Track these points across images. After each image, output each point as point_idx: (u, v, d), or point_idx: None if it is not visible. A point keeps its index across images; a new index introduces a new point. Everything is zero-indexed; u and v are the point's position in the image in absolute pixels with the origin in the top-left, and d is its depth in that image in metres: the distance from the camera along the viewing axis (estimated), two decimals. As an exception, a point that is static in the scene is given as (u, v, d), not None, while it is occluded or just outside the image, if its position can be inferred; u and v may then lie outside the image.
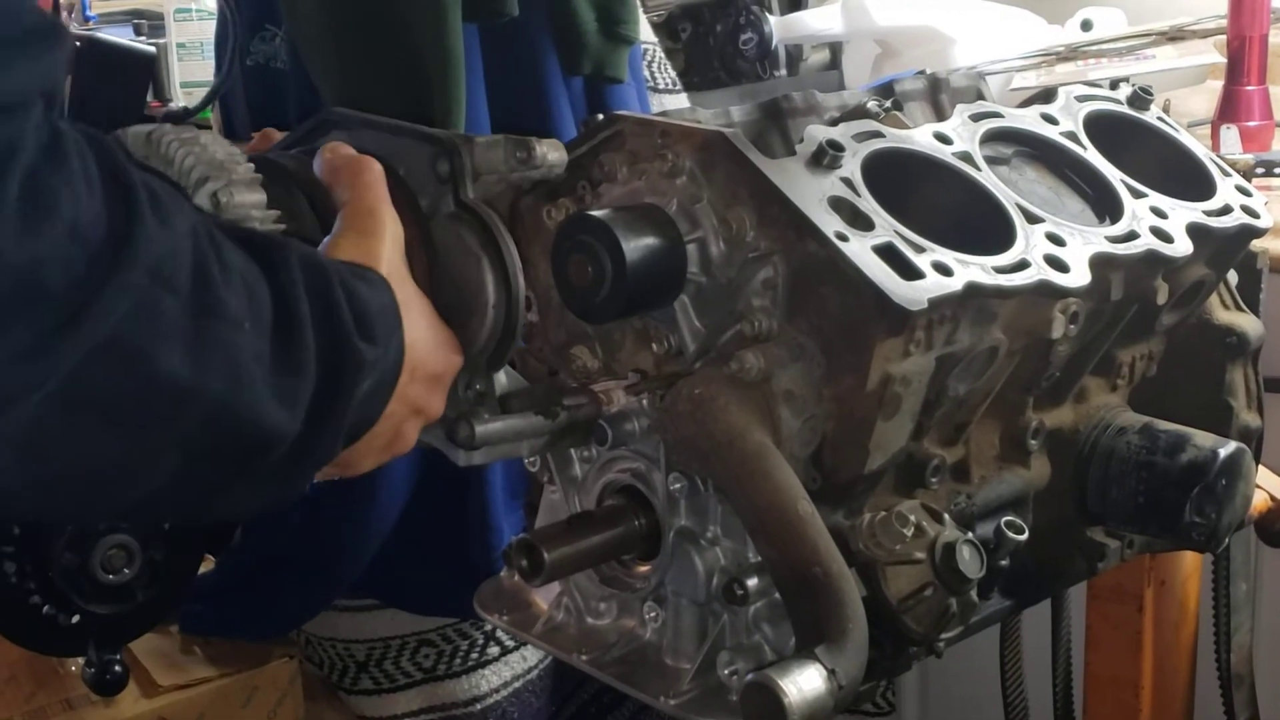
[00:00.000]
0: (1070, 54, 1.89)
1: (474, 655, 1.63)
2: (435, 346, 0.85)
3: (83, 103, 1.67)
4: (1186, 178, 1.05)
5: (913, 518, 0.89)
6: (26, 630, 1.42)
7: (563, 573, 0.95)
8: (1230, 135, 1.71)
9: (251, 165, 0.83)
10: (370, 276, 0.80)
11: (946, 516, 0.92)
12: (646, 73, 1.67)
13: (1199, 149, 1.08)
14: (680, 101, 1.75)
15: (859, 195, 0.87)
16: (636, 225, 0.89)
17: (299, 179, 0.87)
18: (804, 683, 0.78)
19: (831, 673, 0.79)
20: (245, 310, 0.68)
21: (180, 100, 2.39)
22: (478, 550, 1.52)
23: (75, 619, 1.41)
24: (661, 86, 1.73)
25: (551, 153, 0.91)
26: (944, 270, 0.84)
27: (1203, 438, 1.01)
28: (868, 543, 0.89)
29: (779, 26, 2.03)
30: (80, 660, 1.52)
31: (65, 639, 1.42)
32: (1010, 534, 0.93)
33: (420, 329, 0.83)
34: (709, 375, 0.87)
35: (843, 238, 0.84)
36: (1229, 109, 1.73)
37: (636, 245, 0.88)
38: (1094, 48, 1.90)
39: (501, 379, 0.92)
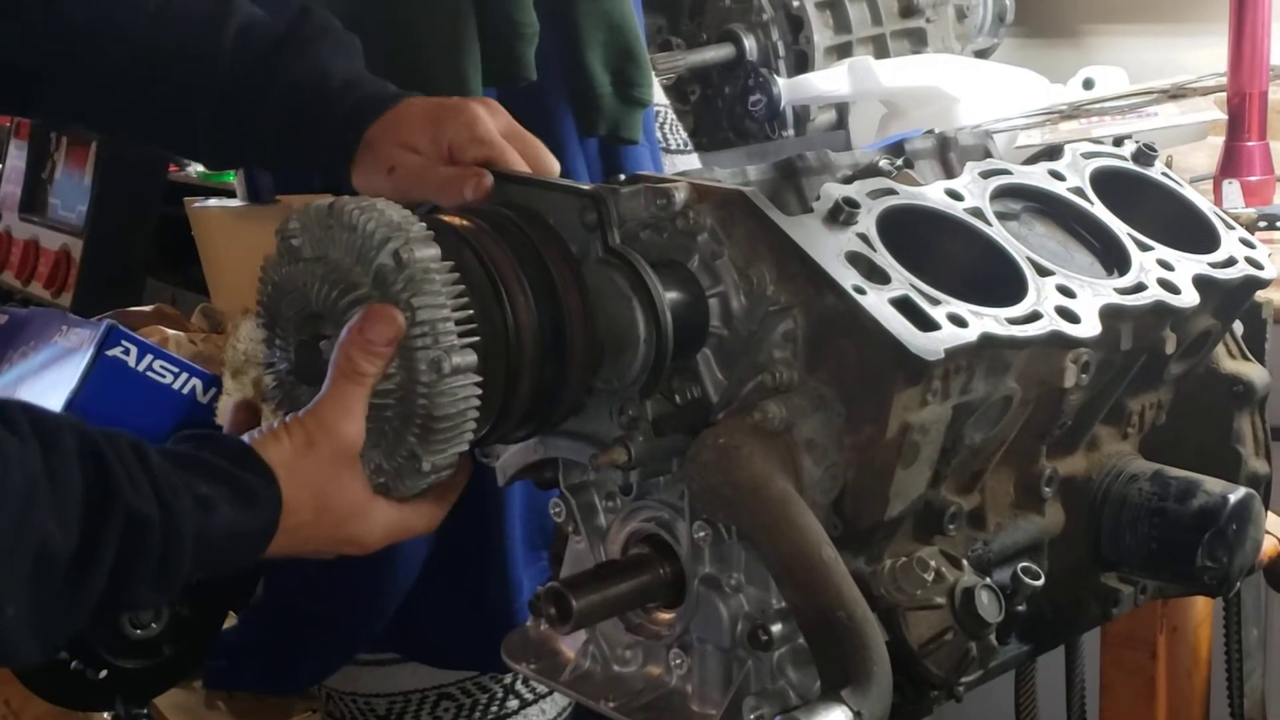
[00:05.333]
0: (1073, 112, 1.93)
1: (494, 709, 1.64)
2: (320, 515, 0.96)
3: (109, 168, 1.71)
4: (1191, 231, 1.08)
5: (933, 563, 0.91)
6: (54, 685, 1.44)
7: (591, 620, 0.97)
8: (1232, 190, 1.74)
9: (424, 224, 0.92)
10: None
11: (965, 562, 0.94)
12: (659, 134, 1.71)
13: (1203, 203, 1.11)
14: (691, 161, 1.79)
15: (875, 250, 0.90)
16: (660, 281, 0.93)
17: (463, 234, 0.94)
18: (831, 724, 0.80)
19: (858, 715, 0.80)
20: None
21: (197, 165, 2.43)
22: (498, 603, 1.54)
23: (103, 674, 1.43)
24: (674, 147, 1.77)
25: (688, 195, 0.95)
26: (959, 322, 0.87)
27: (1213, 484, 1.03)
28: (889, 588, 0.92)
29: (787, 88, 2.07)
30: (107, 715, 1.53)
31: (93, 694, 1.44)
32: (1027, 580, 0.95)
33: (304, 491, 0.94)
34: (733, 425, 0.90)
35: (860, 291, 0.87)
36: (1230, 164, 1.76)
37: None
38: (1096, 106, 1.94)
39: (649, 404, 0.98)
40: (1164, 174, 1.13)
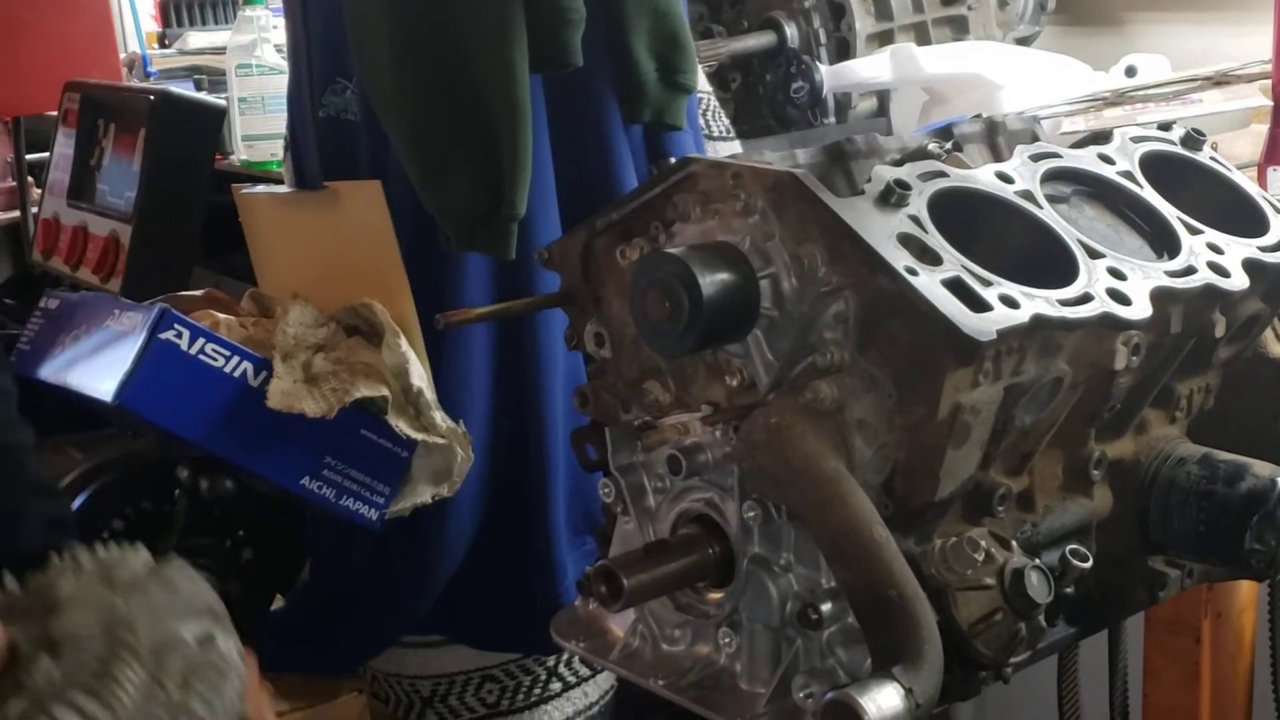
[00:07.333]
0: (1117, 99, 1.92)
1: (537, 691, 1.66)
2: None
3: (158, 154, 1.73)
4: (1240, 215, 1.08)
5: (983, 543, 0.92)
6: (106, 665, 1.46)
7: (641, 598, 0.98)
8: (1277, 177, 1.73)
9: None
10: None
11: (1014, 543, 0.95)
12: (701, 121, 1.71)
13: (1252, 187, 1.11)
14: (734, 148, 1.79)
15: (926, 232, 0.91)
16: (711, 262, 0.93)
17: None
18: (883, 701, 0.80)
19: (909, 692, 0.81)
20: None
21: (241, 154, 2.45)
22: (541, 586, 1.55)
23: (153, 653, 1.45)
24: (716, 134, 1.77)
25: None
26: (1011, 303, 0.88)
27: (1261, 467, 1.03)
28: (939, 568, 0.92)
29: (829, 75, 2.07)
30: (156, 694, 1.55)
31: (144, 673, 1.46)
32: (1075, 562, 0.96)
33: None
34: (784, 405, 0.90)
35: (912, 272, 0.87)
36: (1275, 151, 1.75)
37: (712, 280, 0.92)
38: (1140, 93, 1.93)
39: None
40: (1212, 158, 1.13)
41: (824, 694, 0.88)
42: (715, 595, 1.01)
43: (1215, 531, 1.04)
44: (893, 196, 0.92)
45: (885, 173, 0.94)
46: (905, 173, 0.95)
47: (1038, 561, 0.93)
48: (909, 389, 0.90)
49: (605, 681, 1.71)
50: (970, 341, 0.85)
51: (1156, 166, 1.08)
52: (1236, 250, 1.02)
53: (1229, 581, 1.30)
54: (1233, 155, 1.88)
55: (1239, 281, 1.00)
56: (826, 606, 0.93)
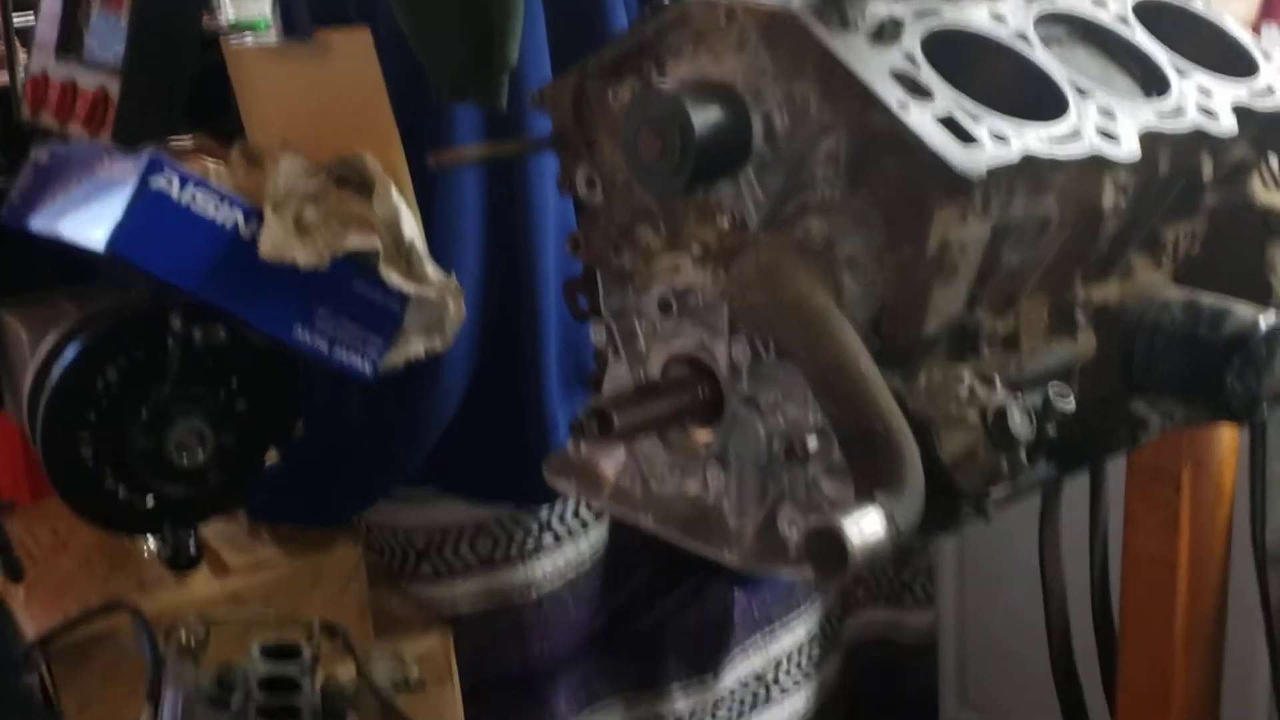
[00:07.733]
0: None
1: (529, 543, 1.69)
2: None
3: (144, 12, 1.71)
4: (1231, 61, 1.08)
5: (967, 380, 0.93)
6: (104, 513, 1.48)
7: (632, 432, 0.99)
8: (1271, 33, 1.72)
9: None
10: None
11: (998, 382, 0.96)
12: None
13: (1243, 34, 1.11)
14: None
15: (919, 68, 0.91)
16: (704, 98, 0.93)
17: None
18: (865, 525, 0.82)
19: (890, 518, 0.83)
20: None
21: (229, 11, 2.41)
22: (534, 437, 1.58)
23: (150, 502, 1.47)
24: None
25: None
26: (1001, 138, 0.88)
27: (1244, 310, 1.04)
28: (924, 404, 0.94)
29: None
30: (153, 545, 1.58)
31: (141, 520, 1.48)
32: (1058, 401, 0.97)
33: None
34: (775, 243, 0.91)
35: (904, 107, 0.87)
36: (1270, 7, 1.75)
37: (704, 117, 0.92)
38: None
39: None
40: (1204, 6, 1.13)
41: (809, 524, 0.90)
42: (704, 434, 1.03)
43: (1198, 374, 1.05)
44: (886, 33, 0.92)
45: (879, 9, 0.94)
46: (900, 10, 0.95)
47: (1020, 399, 0.94)
48: (898, 226, 0.90)
49: (596, 536, 1.74)
50: (960, 177, 0.85)
51: (1150, 12, 1.08)
52: (1225, 93, 1.02)
53: (1209, 430, 1.32)
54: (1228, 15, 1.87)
55: (1228, 124, 1.00)
56: (812, 442, 0.95)
